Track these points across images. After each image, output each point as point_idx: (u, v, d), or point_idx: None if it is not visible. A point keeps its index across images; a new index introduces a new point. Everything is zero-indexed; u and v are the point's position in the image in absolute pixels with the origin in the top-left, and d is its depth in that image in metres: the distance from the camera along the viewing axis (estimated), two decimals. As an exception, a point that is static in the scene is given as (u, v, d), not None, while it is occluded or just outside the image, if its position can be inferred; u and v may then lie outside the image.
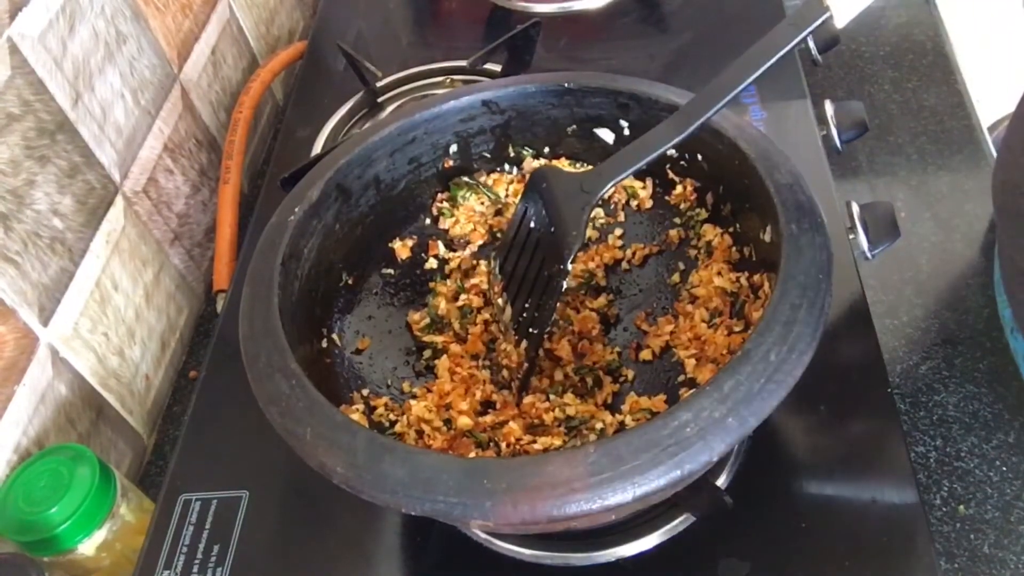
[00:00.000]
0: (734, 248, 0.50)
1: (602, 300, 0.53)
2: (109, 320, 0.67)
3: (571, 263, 0.44)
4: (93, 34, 0.68)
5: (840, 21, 0.42)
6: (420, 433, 0.46)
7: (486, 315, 0.53)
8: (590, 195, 0.45)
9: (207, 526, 0.54)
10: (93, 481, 0.54)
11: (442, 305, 0.53)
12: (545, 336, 0.49)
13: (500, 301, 0.50)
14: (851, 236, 0.63)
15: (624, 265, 0.55)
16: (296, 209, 0.48)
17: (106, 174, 0.68)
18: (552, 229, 0.46)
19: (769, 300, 0.40)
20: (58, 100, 0.63)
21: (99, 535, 0.55)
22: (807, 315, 0.39)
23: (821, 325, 0.39)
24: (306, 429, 0.39)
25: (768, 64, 0.43)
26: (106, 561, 0.56)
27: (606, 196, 0.53)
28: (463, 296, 0.54)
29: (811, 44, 0.80)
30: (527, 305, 0.48)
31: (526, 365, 0.47)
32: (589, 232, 0.56)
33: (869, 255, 0.62)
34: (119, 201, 0.70)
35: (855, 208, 0.64)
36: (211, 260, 0.81)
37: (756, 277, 0.48)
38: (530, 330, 0.47)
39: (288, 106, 0.85)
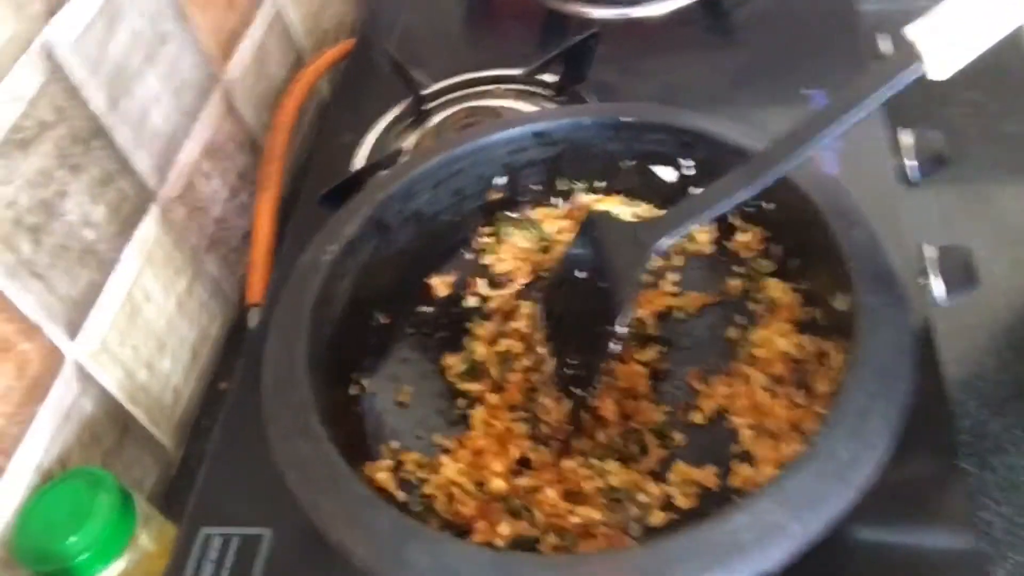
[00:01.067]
0: (802, 308, 0.46)
1: (652, 352, 0.49)
2: (139, 332, 0.66)
3: (622, 325, 0.41)
4: (132, 35, 0.65)
5: (938, 73, 0.37)
6: (450, 496, 0.43)
7: (526, 362, 0.49)
8: (645, 248, 0.41)
9: (227, 565, 0.52)
10: (113, 509, 0.52)
11: (480, 350, 0.50)
12: None
13: (543, 351, 0.47)
14: (923, 281, 0.58)
15: (678, 314, 0.51)
16: (330, 247, 0.45)
17: (141, 181, 0.66)
18: (603, 283, 0.42)
19: (842, 386, 0.36)
20: (93, 106, 0.61)
21: (118, 565, 0.53)
22: (885, 406, 0.35)
23: (900, 418, 0.35)
24: (326, 500, 0.36)
25: (854, 120, 0.38)
26: (124, 591, 0.55)
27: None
28: (503, 340, 0.50)
29: (888, 60, 0.75)
30: (572, 360, 0.44)
31: (568, 427, 0.44)
32: (641, 276, 0.52)
33: (942, 303, 0.58)
34: (154, 209, 0.67)
35: (928, 251, 0.59)
36: (247, 266, 0.79)
37: (825, 345, 0.44)
38: (574, 389, 0.43)
39: (331, 108, 0.82)
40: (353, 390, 0.47)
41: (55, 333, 0.57)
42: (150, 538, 0.56)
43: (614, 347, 0.41)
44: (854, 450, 0.34)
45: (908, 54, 0.36)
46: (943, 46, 0.36)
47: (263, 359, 0.42)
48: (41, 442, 0.56)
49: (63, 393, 0.58)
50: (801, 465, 0.34)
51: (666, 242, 0.41)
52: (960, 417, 0.62)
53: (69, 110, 0.58)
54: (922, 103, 0.82)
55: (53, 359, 0.57)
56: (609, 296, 0.42)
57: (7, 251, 0.53)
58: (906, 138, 0.66)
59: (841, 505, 0.34)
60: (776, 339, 0.45)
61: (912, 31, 0.37)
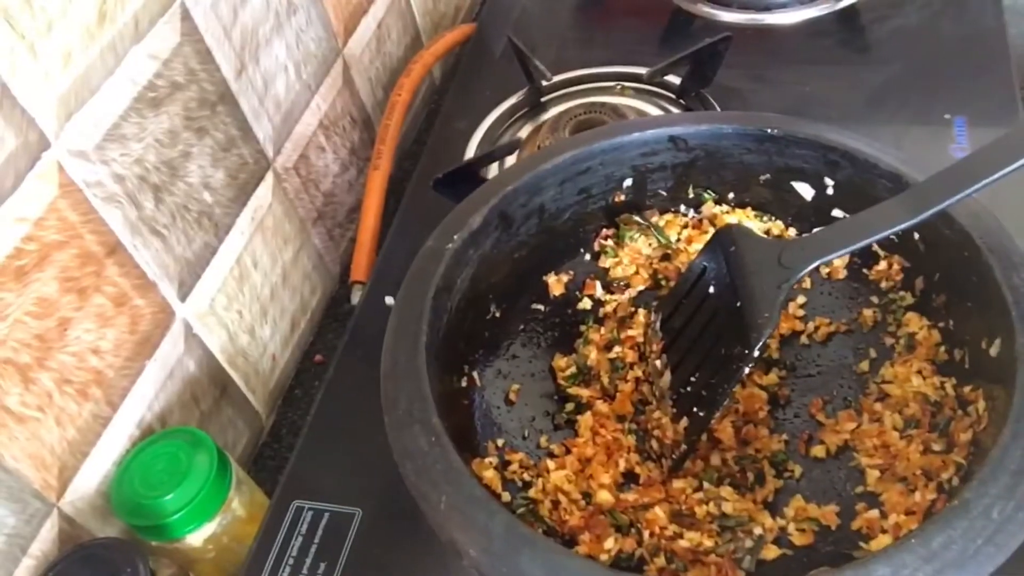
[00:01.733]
0: (942, 348, 0.44)
1: (773, 376, 0.47)
2: (245, 298, 0.66)
3: (758, 350, 0.39)
4: (265, 3, 0.66)
5: None
6: (555, 503, 0.42)
7: (639, 372, 0.48)
8: (790, 272, 0.39)
9: (316, 540, 0.52)
10: (210, 472, 0.53)
11: (592, 355, 0.49)
12: None
13: (658, 363, 0.45)
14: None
15: (803, 339, 0.49)
16: (455, 237, 0.44)
17: (260, 149, 0.66)
18: (738, 303, 0.40)
19: (998, 440, 0.33)
20: (223, 70, 0.61)
21: (209, 528, 0.54)
22: (1043, 467, 0.33)
23: (1060, 483, 0.33)
24: (441, 496, 0.35)
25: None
26: (211, 553, 0.55)
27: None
28: (616, 348, 0.49)
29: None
30: (693, 379, 0.42)
31: (684, 447, 0.42)
32: (766, 295, 0.50)
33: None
34: (269, 177, 0.68)
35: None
36: (350, 241, 0.79)
37: (968, 390, 0.41)
38: (695, 410, 0.42)
39: (448, 93, 0.82)
40: (464, 382, 0.46)
41: (168, 291, 0.58)
42: (241, 504, 0.56)
43: (744, 371, 0.39)
44: (1008, 512, 0.32)
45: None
46: None
47: (384, 344, 0.41)
48: (146, 397, 0.57)
49: (170, 351, 0.58)
50: (949, 521, 0.31)
51: (813, 267, 0.39)
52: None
53: (200, 73, 0.59)
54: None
55: (164, 316, 0.58)
56: (744, 317, 0.40)
57: (131, 206, 0.54)
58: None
59: (988, 568, 0.31)
60: (912, 378, 0.43)
61: None
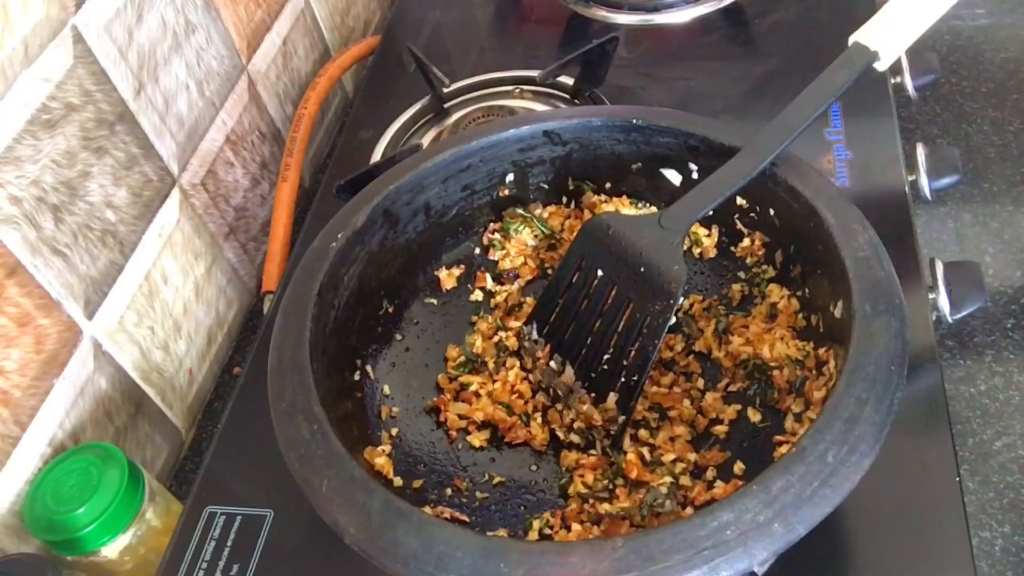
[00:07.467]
0: (800, 315, 0.47)
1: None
2: (156, 314, 0.67)
3: (681, 298, 0.42)
4: (161, 23, 0.67)
5: (885, 64, 0.47)
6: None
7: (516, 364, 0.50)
8: (679, 228, 0.44)
9: (229, 543, 0.53)
10: (121, 484, 0.54)
11: (478, 343, 0.51)
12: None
13: (552, 364, 0.48)
14: (932, 296, 0.58)
15: (680, 316, 0.52)
16: (339, 235, 0.46)
17: (164, 166, 0.67)
18: (641, 269, 0.43)
19: (832, 391, 0.36)
20: (120, 91, 0.62)
21: (123, 539, 0.54)
22: (873, 413, 0.35)
23: (888, 425, 0.36)
24: (322, 481, 0.37)
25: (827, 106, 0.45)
26: (128, 565, 0.56)
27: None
28: (501, 333, 0.51)
29: (907, 79, 0.75)
30: (607, 358, 0.45)
31: (621, 419, 0.44)
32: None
33: (949, 319, 0.58)
34: (175, 194, 0.69)
35: (939, 266, 0.59)
36: (265, 254, 0.80)
37: (822, 351, 0.44)
38: (622, 381, 0.44)
39: (355, 103, 0.84)
40: (357, 376, 0.48)
41: (73, 310, 0.58)
42: (156, 515, 0.57)
43: (671, 320, 0.43)
44: (842, 456, 0.35)
45: (864, 52, 0.47)
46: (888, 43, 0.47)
47: (271, 342, 0.43)
48: (56, 416, 0.57)
49: (79, 369, 0.59)
50: (788, 467, 0.34)
51: (695, 221, 0.44)
52: (964, 435, 0.62)
53: (96, 93, 0.60)
54: (943, 120, 0.82)
55: (70, 335, 0.58)
56: (655, 277, 0.43)
57: (30, 227, 0.55)
58: (922, 154, 0.66)
59: (825, 509, 0.34)
60: (776, 344, 0.46)
61: (863, 36, 0.48)
